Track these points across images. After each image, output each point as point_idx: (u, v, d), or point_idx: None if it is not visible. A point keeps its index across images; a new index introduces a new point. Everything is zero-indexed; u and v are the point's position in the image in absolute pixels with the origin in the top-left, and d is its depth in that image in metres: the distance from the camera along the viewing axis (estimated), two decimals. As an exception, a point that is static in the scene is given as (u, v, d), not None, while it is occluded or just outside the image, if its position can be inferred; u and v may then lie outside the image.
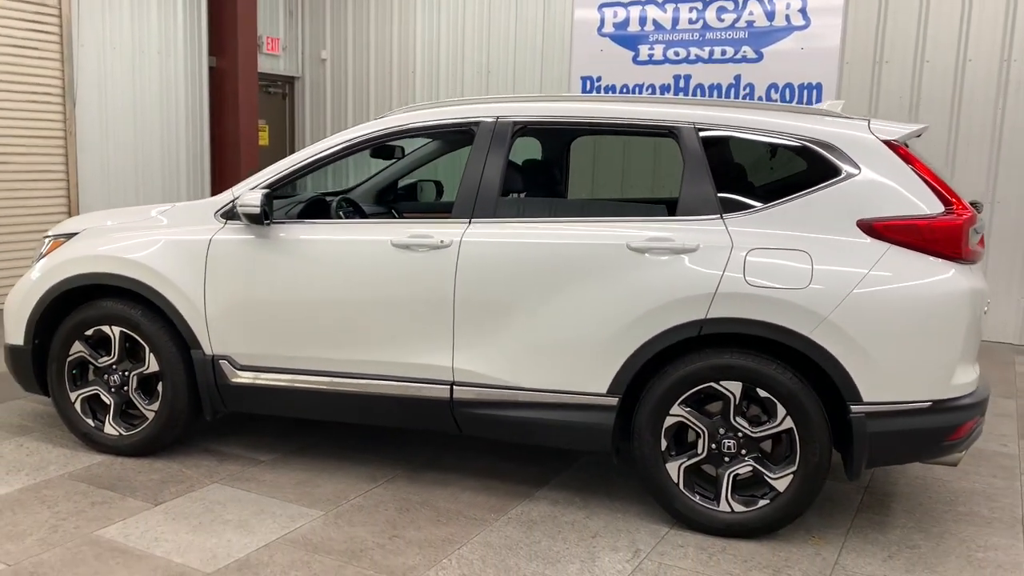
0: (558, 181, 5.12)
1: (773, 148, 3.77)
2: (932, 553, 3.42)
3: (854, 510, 3.80)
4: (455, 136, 4.63)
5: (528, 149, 5.27)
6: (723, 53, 8.12)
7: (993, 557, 3.41)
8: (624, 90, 8.62)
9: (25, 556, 3.14)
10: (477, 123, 3.82)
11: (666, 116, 3.62)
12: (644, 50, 8.46)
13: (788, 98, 7.92)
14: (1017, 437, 4.90)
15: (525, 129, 3.81)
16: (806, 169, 3.55)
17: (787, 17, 7.81)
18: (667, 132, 3.61)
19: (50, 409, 4.73)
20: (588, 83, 8.80)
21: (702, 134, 3.55)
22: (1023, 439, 4.87)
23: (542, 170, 5.09)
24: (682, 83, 8.33)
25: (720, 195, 3.49)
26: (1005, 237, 7.26)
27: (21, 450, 4.21)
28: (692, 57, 8.25)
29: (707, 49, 8.17)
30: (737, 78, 8.08)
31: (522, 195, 4.52)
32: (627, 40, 8.53)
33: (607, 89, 8.72)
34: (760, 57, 7.97)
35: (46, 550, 3.20)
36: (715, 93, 8.20)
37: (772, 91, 7.97)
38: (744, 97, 8.10)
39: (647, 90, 8.51)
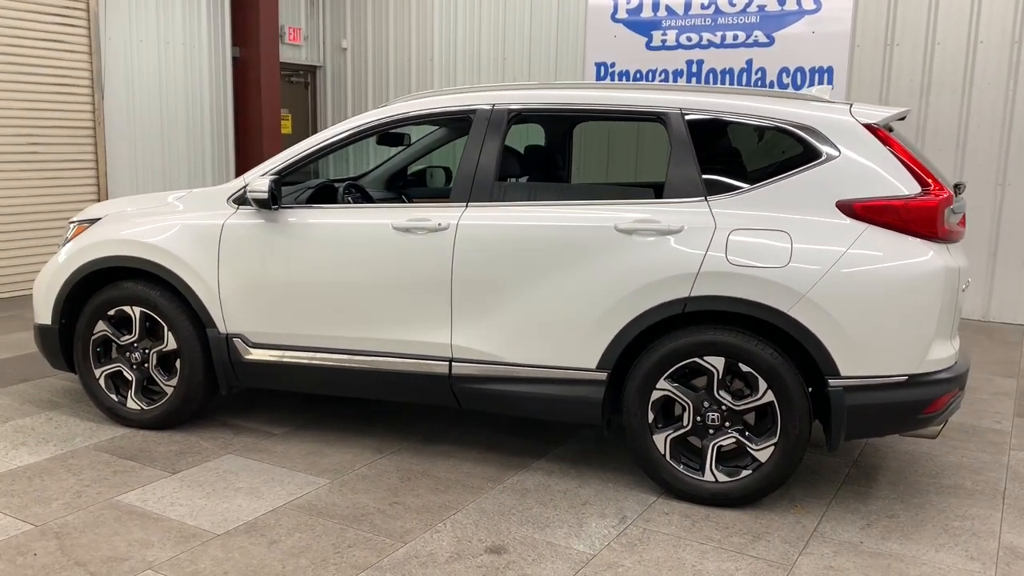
0: (560, 166, 5.27)
1: (759, 132, 3.89)
2: (910, 522, 3.55)
3: (840, 482, 3.93)
4: (457, 123, 4.79)
5: (534, 135, 5.43)
6: (735, 38, 8.18)
7: (969, 526, 3.53)
8: (637, 75, 8.71)
9: (51, 518, 3.39)
10: (474, 111, 3.97)
11: (654, 102, 3.75)
12: (657, 36, 8.55)
13: (799, 82, 7.97)
14: (1012, 415, 4.98)
15: (520, 116, 3.96)
16: (788, 152, 3.66)
17: (798, 1, 7.85)
18: (655, 117, 3.74)
19: (77, 386, 5.00)
20: (602, 69, 8.90)
21: (688, 118, 3.68)
22: (1018, 417, 4.95)
23: (543, 155, 5.24)
24: (695, 68, 8.41)
25: (705, 177, 3.62)
26: (1015, 219, 7.27)
27: (50, 423, 4.48)
28: (704, 42, 8.32)
29: (719, 34, 8.24)
30: (749, 63, 8.14)
31: (522, 180, 4.68)
32: (640, 26, 8.62)
33: (621, 75, 8.81)
34: (772, 41, 8.02)
35: (70, 513, 3.44)
36: (727, 77, 8.27)
37: (783, 75, 8.03)
38: (756, 81, 8.16)
39: (660, 75, 8.60)
